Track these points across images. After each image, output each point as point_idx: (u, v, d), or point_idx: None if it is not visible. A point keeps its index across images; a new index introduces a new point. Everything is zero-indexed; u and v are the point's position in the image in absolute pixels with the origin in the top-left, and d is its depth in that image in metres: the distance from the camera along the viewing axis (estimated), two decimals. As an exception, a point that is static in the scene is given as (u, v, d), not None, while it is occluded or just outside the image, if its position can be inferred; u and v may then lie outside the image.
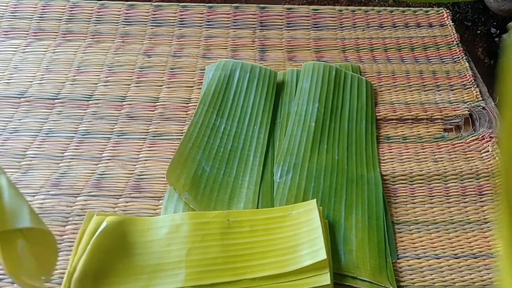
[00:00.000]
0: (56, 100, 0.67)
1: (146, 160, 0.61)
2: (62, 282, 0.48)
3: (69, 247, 0.52)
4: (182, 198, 0.55)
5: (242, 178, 0.59)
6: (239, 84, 0.67)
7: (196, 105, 0.66)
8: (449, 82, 0.73)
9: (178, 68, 0.72)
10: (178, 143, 0.60)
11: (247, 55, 0.75)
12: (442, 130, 0.67)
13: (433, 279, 0.52)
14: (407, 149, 0.65)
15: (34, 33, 0.76)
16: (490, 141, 0.65)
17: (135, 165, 0.61)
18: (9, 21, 0.77)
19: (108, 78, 0.70)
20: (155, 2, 0.98)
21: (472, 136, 0.66)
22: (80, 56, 0.73)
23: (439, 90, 0.72)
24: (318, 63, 0.69)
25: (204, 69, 0.72)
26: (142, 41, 0.76)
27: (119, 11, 0.79)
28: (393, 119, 0.68)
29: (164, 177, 0.58)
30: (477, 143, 0.65)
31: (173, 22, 0.79)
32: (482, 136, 0.66)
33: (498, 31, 1.65)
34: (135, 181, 0.59)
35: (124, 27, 0.78)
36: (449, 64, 0.76)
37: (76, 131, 0.64)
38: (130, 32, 0.77)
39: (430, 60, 0.76)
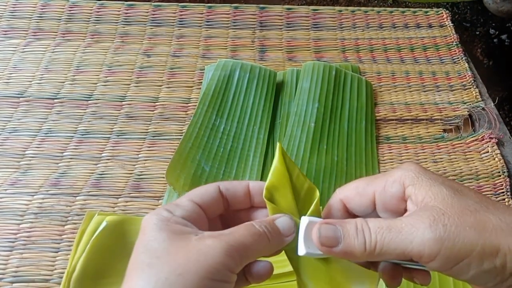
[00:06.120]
0: (55, 100, 0.67)
1: (145, 160, 0.61)
2: (61, 282, 0.48)
3: (69, 247, 0.52)
4: (181, 198, 0.55)
5: (241, 178, 0.59)
6: (239, 84, 0.67)
7: (195, 105, 0.66)
8: (449, 83, 0.73)
9: (177, 68, 0.72)
10: (178, 143, 0.60)
11: (247, 55, 0.75)
12: (441, 130, 0.67)
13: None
14: (406, 149, 0.65)
15: (34, 33, 0.76)
16: (489, 141, 0.65)
17: (134, 165, 0.61)
18: (8, 20, 0.77)
19: (108, 78, 0.70)
20: (154, 2, 0.98)
21: (472, 137, 0.66)
22: (79, 56, 0.73)
23: (438, 91, 0.72)
24: (318, 63, 0.69)
25: (204, 69, 0.72)
26: (142, 41, 0.76)
27: (119, 11, 0.79)
28: (393, 120, 0.68)
29: (163, 177, 0.58)
30: (477, 143, 0.65)
31: (173, 22, 0.79)
32: (482, 137, 0.66)
33: (497, 32, 1.65)
34: (134, 181, 0.59)
35: (124, 27, 0.78)
36: (449, 65, 0.76)
37: (75, 131, 0.64)
38: (130, 32, 0.77)
39: (430, 61, 0.76)
